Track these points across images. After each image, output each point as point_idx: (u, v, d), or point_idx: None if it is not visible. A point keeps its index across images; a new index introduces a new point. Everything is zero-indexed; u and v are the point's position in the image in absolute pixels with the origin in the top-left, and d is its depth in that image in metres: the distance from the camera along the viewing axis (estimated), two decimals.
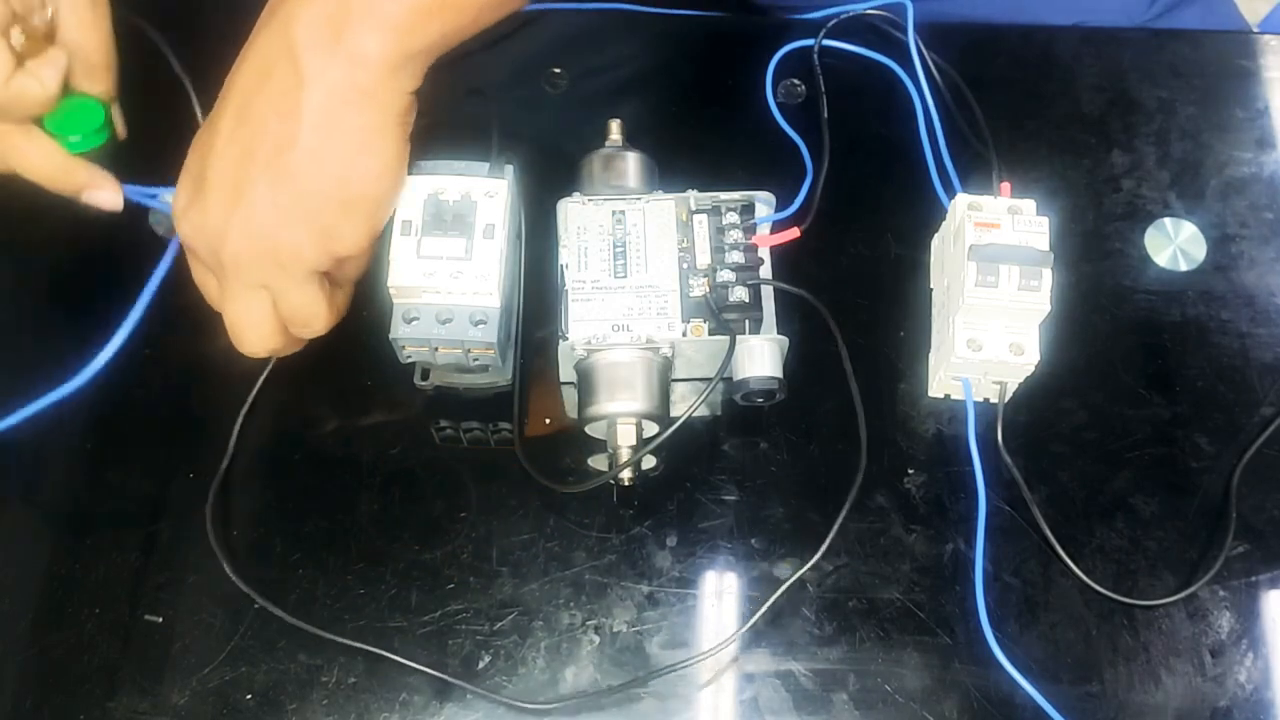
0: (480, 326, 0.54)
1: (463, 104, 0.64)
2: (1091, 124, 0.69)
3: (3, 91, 0.50)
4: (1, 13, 0.51)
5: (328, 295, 0.52)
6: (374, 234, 0.52)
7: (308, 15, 0.48)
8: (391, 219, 0.54)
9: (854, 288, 0.63)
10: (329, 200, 0.50)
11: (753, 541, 0.57)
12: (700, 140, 0.67)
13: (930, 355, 0.61)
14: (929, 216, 0.64)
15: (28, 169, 0.54)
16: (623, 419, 0.55)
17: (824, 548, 0.56)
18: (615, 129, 0.61)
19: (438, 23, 0.49)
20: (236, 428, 0.59)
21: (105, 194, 0.55)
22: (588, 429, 0.56)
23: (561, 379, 0.58)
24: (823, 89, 0.68)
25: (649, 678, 0.54)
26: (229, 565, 0.55)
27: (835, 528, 0.56)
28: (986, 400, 0.59)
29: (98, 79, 0.55)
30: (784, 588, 0.55)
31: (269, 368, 0.59)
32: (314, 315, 0.52)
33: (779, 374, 0.56)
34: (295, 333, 0.53)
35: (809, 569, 0.56)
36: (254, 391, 0.59)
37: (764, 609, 0.55)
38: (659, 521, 0.58)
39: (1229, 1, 0.83)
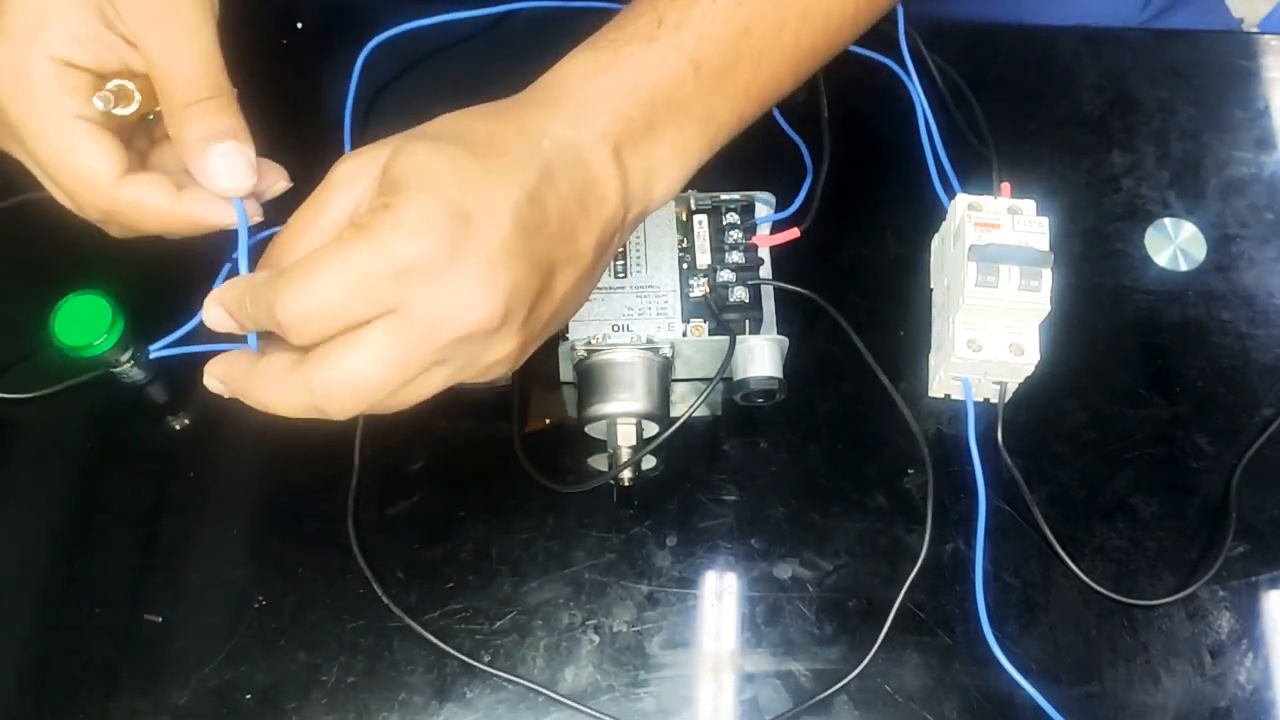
0: None
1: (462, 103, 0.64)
2: (1091, 124, 0.69)
3: (111, 199, 0.40)
4: (70, 80, 0.39)
5: None
6: None
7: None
8: None
9: (854, 288, 0.63)
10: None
11: (753, 541, 0.57)
12: None
13: (930, 355, 0.61)
14: (929, 216, 0.63)
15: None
16: (623, 419, 0.55)
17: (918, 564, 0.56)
18: None
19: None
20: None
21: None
22: (588, 429, 0.56)
23: (561, 379, 0.58)
24: (823, 89, 0.68)
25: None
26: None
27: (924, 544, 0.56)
28: (986, 400, 0.59)
29: (208, 120, 0.42)
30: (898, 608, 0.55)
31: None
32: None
33: (779, 374, 0.56)
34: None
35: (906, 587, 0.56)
36: None
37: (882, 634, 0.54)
38: (659, 521, 0.58)
39: (1221, 4, 0.83)
